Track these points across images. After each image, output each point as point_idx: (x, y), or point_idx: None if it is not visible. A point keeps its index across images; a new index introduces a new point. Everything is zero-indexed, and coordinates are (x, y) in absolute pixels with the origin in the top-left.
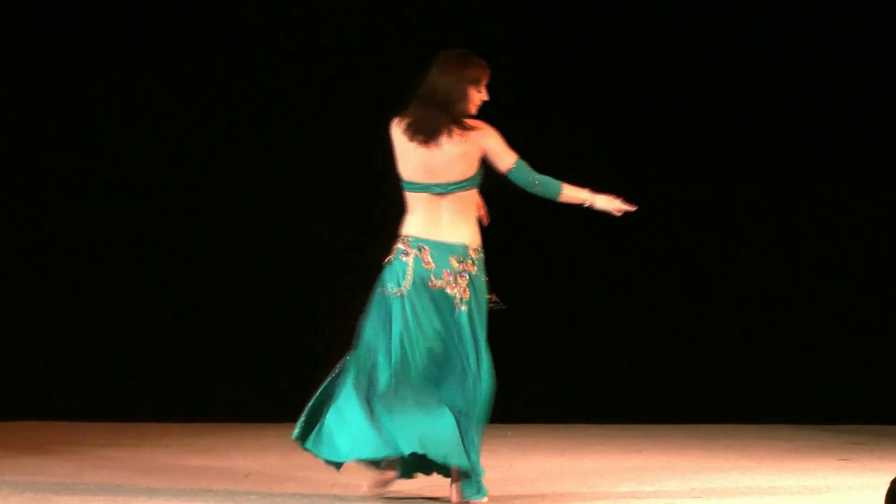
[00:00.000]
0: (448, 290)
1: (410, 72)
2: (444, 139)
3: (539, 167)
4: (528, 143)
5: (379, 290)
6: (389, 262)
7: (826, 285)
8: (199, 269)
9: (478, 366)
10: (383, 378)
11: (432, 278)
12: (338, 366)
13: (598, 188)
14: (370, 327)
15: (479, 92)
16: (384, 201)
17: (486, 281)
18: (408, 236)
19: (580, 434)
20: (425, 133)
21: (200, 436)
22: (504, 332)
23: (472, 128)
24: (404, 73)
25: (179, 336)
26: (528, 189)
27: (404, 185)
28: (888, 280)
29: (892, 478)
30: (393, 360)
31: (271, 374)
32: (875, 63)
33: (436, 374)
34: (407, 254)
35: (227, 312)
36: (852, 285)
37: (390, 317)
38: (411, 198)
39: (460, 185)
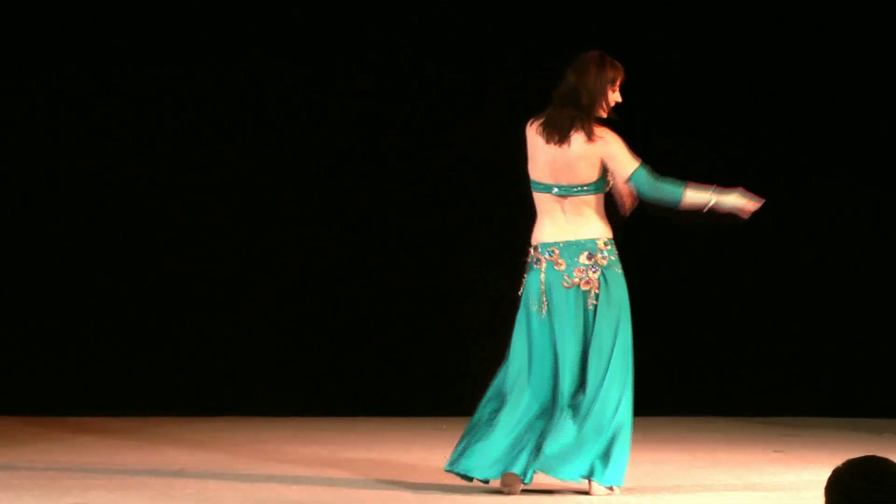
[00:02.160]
0: (582, 287)
1: (408, 71)
2: (573, 139)
3: None
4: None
5: (523, 308)
6: (525, 273)
7: (762, 278)
8: (197, 268)
9: (602, 378)
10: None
11: (566, 278)
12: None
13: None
14: (517, 347)
15: (614, 92)
16: (381, 200)
17: (621, 273)
18: (537, 245)
19: None
20: (559, 132)
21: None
22: (499, 330)
23: (596, 134)
24: (401, 72)
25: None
26: (651, 197)
27: (532, 186)
28: (824, 272)
29: (826, 469)
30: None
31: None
32: (875, 63)
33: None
34: (539, 261)
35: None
36: (787, 279)
37: (534, 335)
38: (537, 199)
39: (582, 189)
